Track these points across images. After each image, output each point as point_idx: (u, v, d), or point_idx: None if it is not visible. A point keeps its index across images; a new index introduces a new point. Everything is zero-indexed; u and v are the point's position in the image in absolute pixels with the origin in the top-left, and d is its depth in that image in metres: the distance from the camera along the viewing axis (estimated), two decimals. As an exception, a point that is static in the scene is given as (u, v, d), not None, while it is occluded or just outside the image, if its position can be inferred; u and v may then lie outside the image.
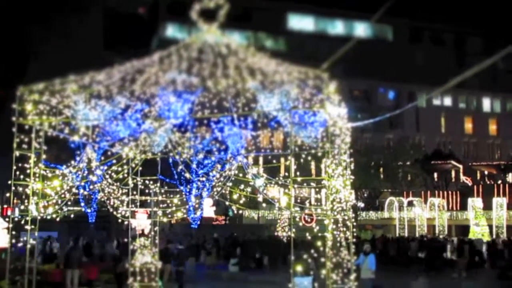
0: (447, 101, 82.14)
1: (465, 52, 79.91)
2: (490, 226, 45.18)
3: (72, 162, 12.32)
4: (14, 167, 9.91)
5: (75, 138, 10.81)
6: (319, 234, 10.75)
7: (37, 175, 10.24)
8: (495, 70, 71.97)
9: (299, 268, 9.92)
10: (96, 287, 21.26)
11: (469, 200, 47.72)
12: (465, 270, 26.58)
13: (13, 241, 11.18)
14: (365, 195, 53.42)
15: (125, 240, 23.53)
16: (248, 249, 30.30)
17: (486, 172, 64.89)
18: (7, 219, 26.72)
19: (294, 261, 9.79)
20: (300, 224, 25.52)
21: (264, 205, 39.68)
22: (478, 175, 65.70)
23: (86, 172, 12.68)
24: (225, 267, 28.07)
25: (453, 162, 61.93)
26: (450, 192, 55.18)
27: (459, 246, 30.85)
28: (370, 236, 41.99)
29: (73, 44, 66.85)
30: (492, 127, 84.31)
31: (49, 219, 25.93)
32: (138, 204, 14.43)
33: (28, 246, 10.19)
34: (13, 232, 11.11)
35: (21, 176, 10.28)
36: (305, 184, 15.29)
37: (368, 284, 19.05)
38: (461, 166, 63.09)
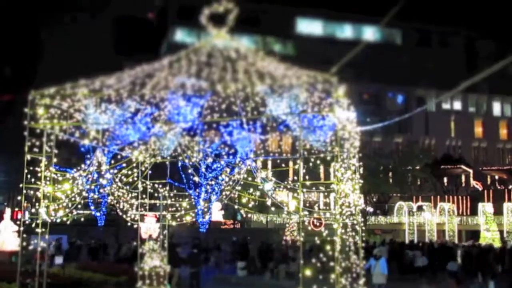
0: (457, 105, 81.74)
1: (475, 55, 79.60)
2: (501, 232, 44.88)
3: (82, 165, 12.41)
4: (26, 171, 9.99)
5: (86, 141, 10.88)
6: (328, 238, 10.74)
7: (47, 178, 10.32)
8: (505, 74, 71.59)
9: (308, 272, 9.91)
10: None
11: (480, 205, 47.44)
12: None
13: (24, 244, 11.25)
14: (374, 199, 53.27)
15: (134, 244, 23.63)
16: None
17: (496, 177, 64.43)
18: (17, 222, 26.93)
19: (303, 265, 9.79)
20: (309, 228, 25.47)
21: (272, 209, 39.69)
22: (489, 180, 65.26)
23: (96, 175, 12.76)
24: (233, 271, 28.07)
25: (463, 167, 61.56)
26: (460, 197, 54.82)
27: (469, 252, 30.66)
28: (380, 240, 41.80)
29: (83, 48, 67.54)
30: (503, 131, 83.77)
31: (59, 222, 26.09)
32: (147, 207, 14.48)
33: (39, 249, 10.26)
34: (24, 235, 11.18)
35: (32, 180, 10.37)
36: (314, 188, 15.29)
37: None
38: (471, 171, 62.70)
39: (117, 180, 13.20)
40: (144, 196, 13.85)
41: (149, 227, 21.87)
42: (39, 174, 10.21)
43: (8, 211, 30.99)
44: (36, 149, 9.95)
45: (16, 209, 45.03)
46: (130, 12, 78.28)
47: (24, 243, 11.13)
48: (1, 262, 26.84)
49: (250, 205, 20.09)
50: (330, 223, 20.15)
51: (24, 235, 11.16)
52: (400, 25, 76.05)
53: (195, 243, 32.85)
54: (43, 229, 10.23)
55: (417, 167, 53.11)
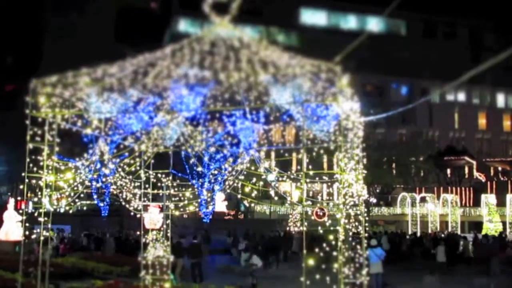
0: (461, 97, 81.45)
1: (480, 47, 79.10)
2: (504, 223, 44.91)
3: (85, 155, 12.38)
4: (28, 160, 9.96)
5: (88, 131, 10.84)
6: (331, 228, 10.72)
7: (50, 167, 10.30)
8: (509, 66, 71.10)
9: (311, 261, 9.89)
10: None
11: (483, 196, 47.43)
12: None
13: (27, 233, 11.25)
14: (378, 190, 53.23)
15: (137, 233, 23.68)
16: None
17: (500, 168, 64.32)
18: (20, 211, 26.96)
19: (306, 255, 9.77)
20: (312, 218, 25.48)
21: (276, 198, 39.62)
22: (492, 171, 65.14)
23: (98, 165, 12.73)
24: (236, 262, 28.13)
25: (467, 158, 61.50)
26: (463, 188, 54.80)
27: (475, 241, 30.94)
28: (383, 231, 41.86)
29: (85, 36, 67.44)
30: (506, 123, 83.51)
31: (62, 212, 26.09)
32: (150, 197, 14.46)
33: (42, 238, 10.26)
34: (27, 225, 11.20)
35: (35, 169, 10.34)
36: (317, 178, 15.24)
37: (379, 279, 19.13)
38: (474, 162, 62.63)
39: (119, 169, 13.17)
40: (147, 186, 13.83)
41: (152, 217, 21.90)
42: (41, 163, 10.19)
43: (11, 201, 31.08)
44: (38, 138, 9.92)
45: (19, 198, 45.20)
46: (133, 2, 77.99)
47: (27, 233, 11.12)
48: (5, 252, 27.00)
49: (253, 195, 20.07)
50: (333, 213, 20.13)
51: (27, 225, 11.17)
52: (404, 16, 75.58)
53: (202, 233, 32.95)
54: (46, 218, 10.23)
55: (421, 159, 52.98)
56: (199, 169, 27.63)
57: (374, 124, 41.78)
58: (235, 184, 16.75)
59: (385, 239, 30.60)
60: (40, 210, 10.31)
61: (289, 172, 17.44)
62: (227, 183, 16.64)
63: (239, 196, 23.87)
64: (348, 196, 10.23)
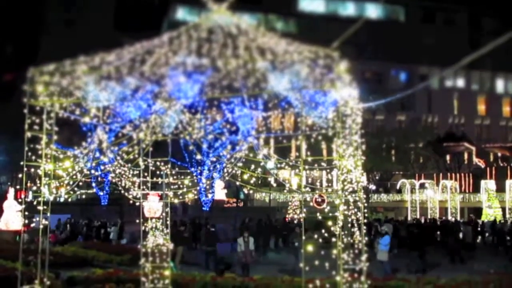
0: (460, 82, 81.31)
1: (478, 33, 78.82)
2: (503, 209, 45.05)
3: (83, 143, 12.36)
4: (26, 149, 9.94)
5: (86, 119, 10.82)
6: (330, 214, 10.75)
7: (48, 156, 10.28)
8: (509, 50, 70.89)
9: (309, 248, 9.95)
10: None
11: (482, 182, 47.53)
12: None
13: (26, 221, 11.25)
14: (377, 177, 53.36)
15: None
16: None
17: (499, 154, 64.37)
18: (20, 200, 27.00)
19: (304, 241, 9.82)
20: (311, 205, 25.54)
21: (275, 185, 39.67)
22: (491, 157, 65.21)
23: (97, 153, 12.71)
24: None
25: (466, 144, 61.52)
26: (462, 174, 54.90)
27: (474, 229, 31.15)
28: (383, 218, 41.99)
29: (84, 25, 67.10)
30: (506, 109, 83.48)
31: (62, 202, 26.08)
32: (149, 186, 14.47)
33: (41, 226, 10.26)
34: (26, 213, 11.21)
35: (33, 157, 10.33)
36: (316, 165, 15.25)
37: (387, 266, 19.27)
38: (474, 148, 62.68)
39: (118, 158, 13.16)
40: (146, 174, 13.82)
41: (152, 205, 21.99)
42: (40, 152, 10.17)
43: (11, 191, 31.15)
44: (36, 127, 9.89)
45: (19, 187, 45.28)
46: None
47: (26, 221, 11.13)
48: (6, 241, 27.12)
49: (252, 181, 20.15)
50: (333, 200, 20.20)
51: (27, 213, 11.18)
52: (403, 2, 75.22)
53: (202, 222, 33.02)
54: (45, 207, 10.21)
55: (420, 145, 53.07)
56: (198, 157, 27.69)
57: (373, 111, 41.82)
58: (234, 171, 16.77)
59: (390, 227, 30.29)
60: (40, 199, 10.30)
61: (288, 159, 17.45)
62: (225, 170, 16.66)
63: (238, 183, 23.94)
64: (347, 182, 10.23)
